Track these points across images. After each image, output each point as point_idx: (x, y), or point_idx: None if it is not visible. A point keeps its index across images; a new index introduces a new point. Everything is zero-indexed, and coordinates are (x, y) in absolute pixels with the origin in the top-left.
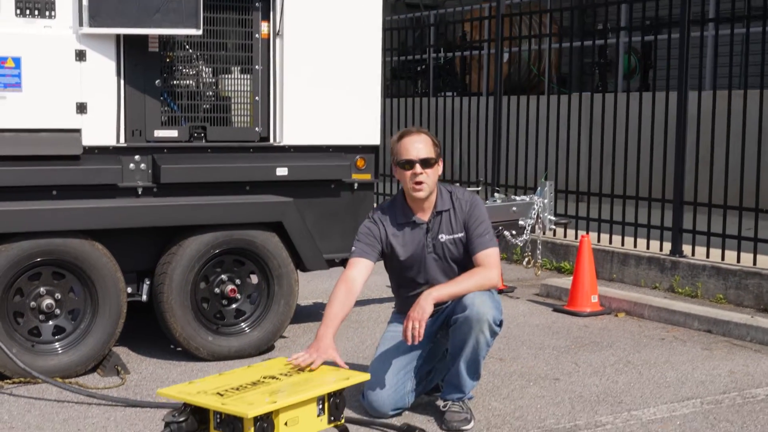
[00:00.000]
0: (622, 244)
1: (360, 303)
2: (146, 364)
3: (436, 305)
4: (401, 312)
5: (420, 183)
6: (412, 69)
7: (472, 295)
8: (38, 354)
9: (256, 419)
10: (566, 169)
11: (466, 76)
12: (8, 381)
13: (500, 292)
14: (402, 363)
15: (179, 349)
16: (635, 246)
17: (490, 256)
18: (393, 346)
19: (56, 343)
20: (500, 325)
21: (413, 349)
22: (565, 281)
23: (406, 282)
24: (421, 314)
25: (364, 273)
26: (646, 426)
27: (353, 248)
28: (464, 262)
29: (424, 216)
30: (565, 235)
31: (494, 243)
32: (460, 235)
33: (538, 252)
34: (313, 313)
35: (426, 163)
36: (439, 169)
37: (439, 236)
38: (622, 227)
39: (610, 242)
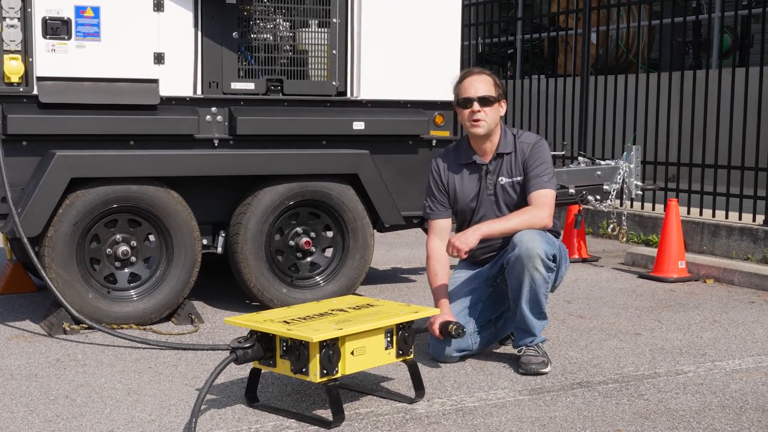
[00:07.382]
0: (713, 216)
1: None
2: (220, 315)
3: (486, 242)
4: (464, 258)
5: (477, 120)
6: (499, 54)
7: (520, 233)
8: (114, 300)
9: (321, 345)
10: (655, 142)
11: (555, 58)
12: (84, 325)
13: (584, 261)
14: (462, 305)
15: (255, 303)
16: (726, 217)
17: (543, 196)
18: (453, 290)
19: (132, 291)
20: (554, 260)
21: (473, 292)
22: (652, 250)
23: (465, 225)
24: (463, 243)
25: (445, 235)
26: (729, 375)
27: (425, 204)
28: (523, 207)
29: (485, 158)
30: (653, 208)
31: (552, 185)
32: (519, 178)
33: (624, 218)
34: (391, 276)
35: (485, 101)
36: (501, 109)
37: (499, 179)
38: (713, 198)
39: (701, 214)
